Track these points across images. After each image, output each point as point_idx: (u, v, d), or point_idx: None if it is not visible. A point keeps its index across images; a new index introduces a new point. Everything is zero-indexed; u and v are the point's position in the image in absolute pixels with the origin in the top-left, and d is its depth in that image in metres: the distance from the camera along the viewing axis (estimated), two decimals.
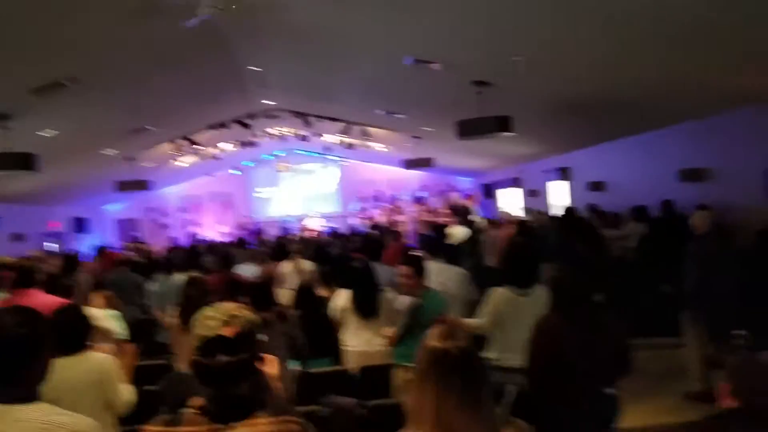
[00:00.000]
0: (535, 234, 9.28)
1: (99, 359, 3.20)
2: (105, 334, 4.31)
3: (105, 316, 5.11)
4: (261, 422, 1.66)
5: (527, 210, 14.34)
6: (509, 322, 4.11)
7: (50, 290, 5.11)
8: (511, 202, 17.39)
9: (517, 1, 5.34)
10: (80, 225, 17.59)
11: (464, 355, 1.85)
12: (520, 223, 10.51)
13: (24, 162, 7.56)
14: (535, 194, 15.43)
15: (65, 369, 3.09)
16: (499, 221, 12.21)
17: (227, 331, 1.67)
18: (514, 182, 16.74)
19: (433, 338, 1.90)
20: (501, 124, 7.93)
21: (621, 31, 5.81)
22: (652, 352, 6.79)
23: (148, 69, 7.86)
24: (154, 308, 6.76)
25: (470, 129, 8.11)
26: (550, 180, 14.49)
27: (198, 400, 1.71)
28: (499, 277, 4.39)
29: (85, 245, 16.13)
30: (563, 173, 13.74)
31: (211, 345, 1.66)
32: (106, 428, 3.09)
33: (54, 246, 15.48)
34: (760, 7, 4.86)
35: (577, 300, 3.48)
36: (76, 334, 3.24)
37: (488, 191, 18.48)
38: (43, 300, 4.34)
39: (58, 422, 1.88)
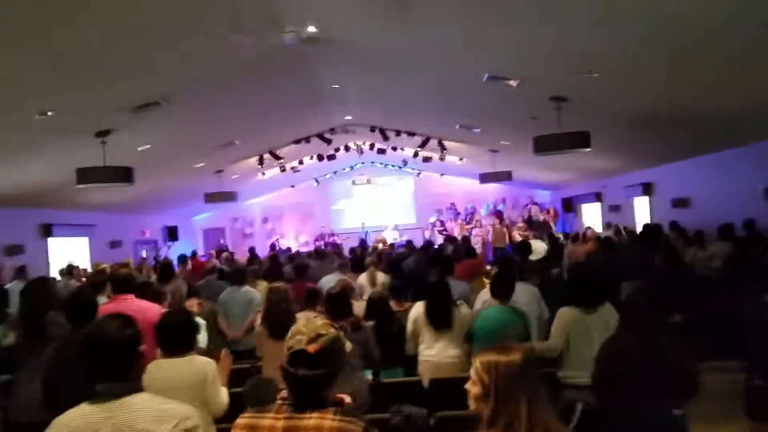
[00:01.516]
0: (616, 251, 9.10)
1: (202, 362, 3.45)
2: None
3: None
4: (328, 416, 1.93)
5: (608, 225, 14.04)
6: (578, 341, 4.13)
7: (142, 296, 5.47)
8: (592, 217, 17.07)
9: (594, 18, 5.35)
10: (170, 233, 18.52)
11: (525, 366, 2.05)
12: (600, 239, 10.33)
13: (122, 175, 8.11)
14: (617, 209, 15.08)
15: (171, 369, 3.38)
16: (579, 236, 12.03)
17: (311, 348, 1.93)
18: (596, 197, 16.41)
19: (494, 353, 2.05)
20: (579, 140, 7.87)
21: (701, 47, 5.71)
22: (732, 375, 6.53)
23: (236, 88, 8.29)
24: (219, 316, 6.93)
25: (547, 145, 8.08)
26: (633, 195, 14.14)
27: (284, 392, 2.01)
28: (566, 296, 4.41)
29: (174, 253, 16.98)
30: (646, 189, 13.38)
31: (296, 358, 1.95)
32: (205, 425, 3.31)
33: (147, 252, 16.40)
34: None
35: (649, 320, 3.47)
36: (183, 337, 3.50)
37: (568, 205, 18.17)
38: (138, 305, 4.67)
39: (169, 410, 2.14)
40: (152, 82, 7.08)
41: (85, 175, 7.90)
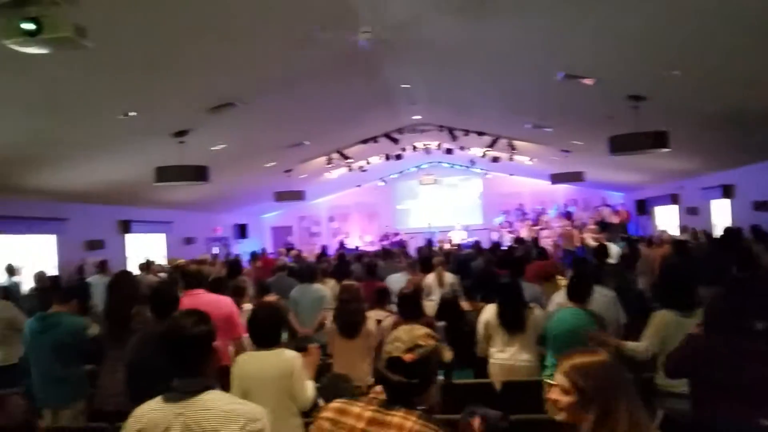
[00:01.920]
0: (692, 255, 8.74)
1: (290, 356, 3.51)
2: None
3: None
4: (412, 418, 1.94)
5: (684, 229, 13.51)
6: (673, 346, 3.96)
7: (215, 291, 5.61)
8: (667, 220, 16.48)
9: (675, 14, 5.16)
10: (240, 231, 18.99)
11: (616, 368, 2.01)
12: (676, 242, 9.95)
13: (198, 173, 8.38)
14: (694, 212, 14.51)
15: (259, 361, 3.46)
16: (653, 240, 11.63)
17: (407, 357, 1.95)
18: (672, 199, 15.83)
19: (580, 356, 2.01)
20: (657, 140, 7.62)
21: None
22: None
23: (308, 89, 8.41)
24: (290, 313, 7.04)
25: (624, 145, 7.86)
26: (711, 198, 13.57)
27: (378, 388, 2.05)
28: (647, 300, 4.26)
29: (244, 250, 17.39)
30: (726, 191, 12.81)
31: (392, 364, 1.98)
32: (291, 417, 3.40)
33: (218, 249, 16.87)
34: None
35: (729, 326, 3.32)
36: (271, 331, 3.58)
37: (642, 208, 17.60)
38: (210, 299, 4.79)
39: (238, 410, 2.17)
40: (228, 83, 7.27)
41: (164, 174, 8.20)
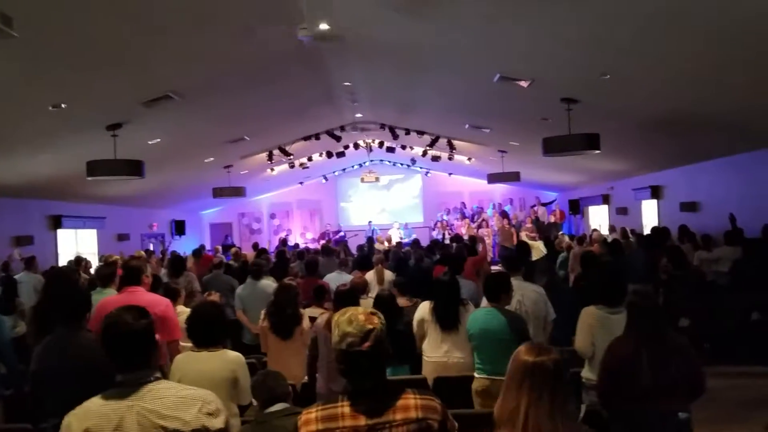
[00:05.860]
0: (622, 253, 9.10)
1: (234, 356, 3.49)
2: None
3: None
4: (410, 396, 2.05)
5: (612, 229, 14.02)
6: (602, 341, 4.04)
7: (152, 289, 5.47)
8: (599, 219, 17.04)
9: (608, 19, 5.35)
10: (178, 227, 18.58)
11: (556, 368, 2.11)
12: (606, 241, 10.31)
13: (132, 168, 8.15)
14: (624, 212, 15.06)
15: (202, 362, 3.40)
16: (584, 238, 12.02)
17: (365, 347, 2.01)
18: (603, 199, 16.39)
19: (525, 353, 2.15)
20: (588, 142, 7.87)
21: (717, 50, 5.69)
22: (736, 380, 6.53)
23: (246, 84, 8.32)
24: (237, 311, 7.01)
25: (557, 146, 8.08)
26: (641, 198, 14.11)
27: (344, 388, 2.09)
28: (575, 295, 4.41)
29: (181, 247, 17.03)
30: (655, 192, 13.35)
31: (355, 357, 2.01)
32: (231, 418, 3.35)
33: (153, 246, 16.47)
34: None
35: (652, 322, 3.47)
36: (215, 330, 3.52)
37: (575, 207, 18.15)
38: (147, 298, 4.66)
39: (191, 395, 2.20)
40: (164, 75, 7.12)
41: (95, 168, 7.95)
